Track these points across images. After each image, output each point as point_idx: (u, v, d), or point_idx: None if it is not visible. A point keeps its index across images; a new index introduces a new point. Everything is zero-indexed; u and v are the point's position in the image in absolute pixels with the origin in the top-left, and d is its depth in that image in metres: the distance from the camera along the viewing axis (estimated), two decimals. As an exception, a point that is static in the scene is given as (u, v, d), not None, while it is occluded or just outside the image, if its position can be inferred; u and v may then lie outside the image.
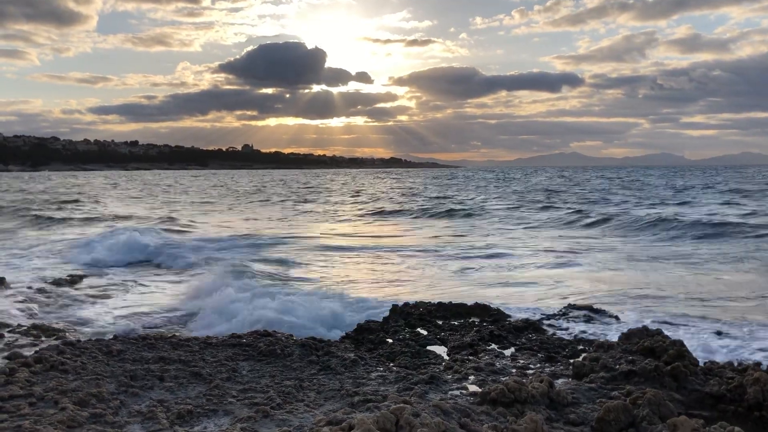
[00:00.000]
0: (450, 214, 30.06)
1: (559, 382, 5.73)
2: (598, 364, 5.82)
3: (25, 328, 8.55)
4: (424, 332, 8.05)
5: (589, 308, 9.10)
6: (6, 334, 8.11)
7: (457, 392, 5.59)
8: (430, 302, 9.33)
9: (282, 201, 43.11)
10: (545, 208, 31.55)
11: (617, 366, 5.73)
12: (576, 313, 8.97)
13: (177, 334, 8.08)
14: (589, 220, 24.54)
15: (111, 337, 7.54)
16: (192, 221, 26.52)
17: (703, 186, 53.72)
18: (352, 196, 47.67)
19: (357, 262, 15.22)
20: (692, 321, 8.51)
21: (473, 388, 5.73)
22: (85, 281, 12.88)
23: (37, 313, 9.84)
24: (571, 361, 6.42)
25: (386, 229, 24.49)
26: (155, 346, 6.97)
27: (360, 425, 3.80)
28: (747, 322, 8.32)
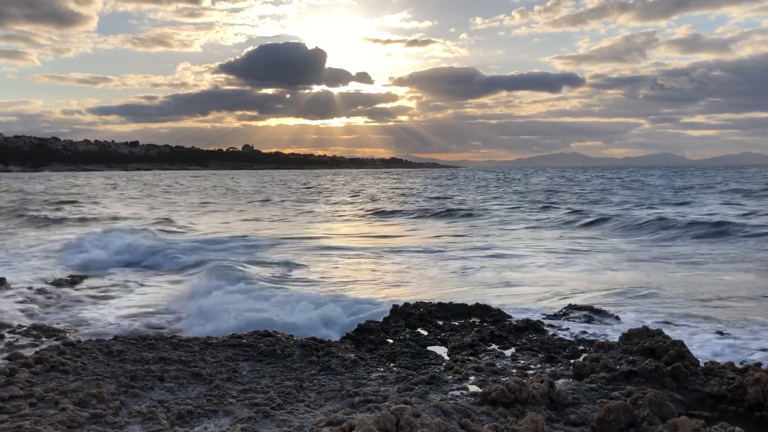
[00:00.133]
0: (450, 214, 30.06)
1: (560, 382, 5.72)
2: (598, 365, 5.82)
3: (26, 328, 8.54)
4: (425, 332, 8.05)
5: (590, 308, 9.10)
6: (6, 335, 8.10)
7: (457, 392, 5.59)
8: (430, 302, 9.33)
9: (282, 201, 43.13)
10: (545, 209, 31.56)
11: (618, 366, 5.73)
12: (576, 313, 8.97)
13: (177, 334, 8.08)
14: (589, 221, 24.53)
15: (111, 337, 7.54)
16: (191, 222, 26.49)
17: (703, 186, 53.72)
18: (352, 197, 47.68)
19: (357, 262, 15.21)
20: (693, 321, 8.50)
21: (474, 388, 5.73)
22: (86, 282, 12.89)
23: (37, 314, 9.84)
24: (572, 361, 6.41)
25: (386, 229, 24.49)
26: (155, 347, 6.97)
27: (360, 426, 3.80)
28: (748, 322, 8.32)
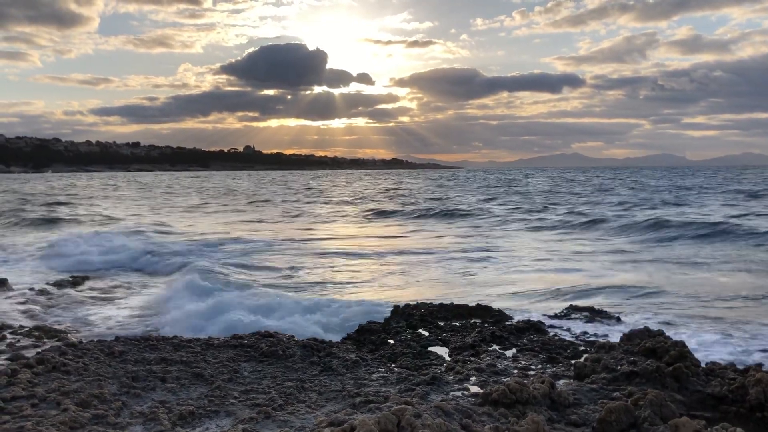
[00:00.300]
0: (451, 215, 30.06)
1: (561, 383, 5.73)
2: (599, 365, 5.82)
3: (27, 329, 8.55)
4: (426, 333, 8.05)
5: (591, 309, 9.11)
6: (8, 336, 8.11)
7: (458, 393, 5.60)
8: (431, 303, 9.34)
9: (282, 202, 43.13)
10: (546, 209, 31.56)
11: (619, 367, 5.73)
12: (577, 314, 8.98)
13: (178, 335, 8.08)
14: (590, 221, 24.52)
15: (113, 338, 7.55)
16: (189, 225, 26.44)
17: (704, 187, 53.71)
18: (353, 198, 47.68)
19: (357, 263, 15.21)
20: (694, 322, 8.51)
21: (475, 389, 5.73)
22: (87, 283, 12.90)
23: (38, 315, 9.85)
24: (573, 362, 6.42)
25: (387, 230, 24.49)
26: (157, 347, 6.98)
27: (362, 426, 3.80)
28: (748, 323, 8.32)
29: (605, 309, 9.13)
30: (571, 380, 5.88)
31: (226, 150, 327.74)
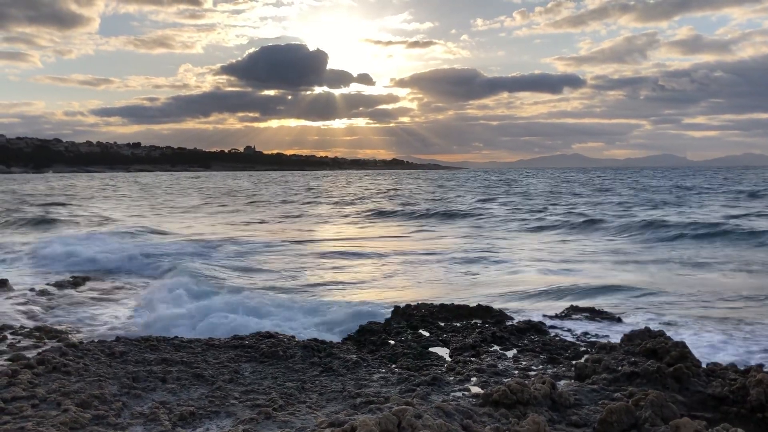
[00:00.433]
0: (451, 215, 30.07)
1: (562, 383, 5.73)
2: (600, 366, 5.82)
3: (28, 330, 8.55)
4: (426, 334, 8.05)
5: (591, 310, 9.10)
6: (9, 336, 8.11)
7: (459, 394, 5.60)
8: (432, 304, 9.34)
9: (282, 203, 43.13)
10: (547, 210, 31.56)
11: (619, 367, 5.73)
12: (578, 314, 8.97)
13: (179, 335, 8.08)
14: (590, 222, 24.52)
15: (113, 338, 7.55)
16: (189, 225, 26.38)
17: (705, 187, 53.69)
18: (353, 198, 47.68)
19: (358, 263, 15.21)
20: (695, 322, 8.50)
21: (475, 389, 5.73)
22: (88, 284, 12.89)
23: (39, 315, 9.85)
24: (574, 362, 6.41)
25: (387, 230, 24.49)
26: (157, 348, 6.99)
27: (362, 427, 3.80)
28: (749, 324, 8.31)
29: (606, 309, 9.12)
30: (572, 381, 5.88)
31: (226, 150, 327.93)
